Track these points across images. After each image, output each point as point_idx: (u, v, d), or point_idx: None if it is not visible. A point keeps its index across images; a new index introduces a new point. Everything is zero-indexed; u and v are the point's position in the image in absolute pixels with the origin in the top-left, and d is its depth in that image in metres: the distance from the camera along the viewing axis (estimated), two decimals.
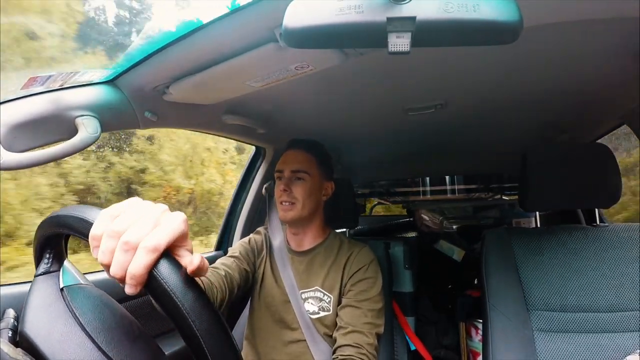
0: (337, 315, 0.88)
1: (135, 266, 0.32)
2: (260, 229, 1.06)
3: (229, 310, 1.27)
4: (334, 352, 0.82)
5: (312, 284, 0.91)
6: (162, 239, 0.33)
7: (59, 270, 0.49)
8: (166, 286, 0.33)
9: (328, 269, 0.92)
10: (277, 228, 0.99)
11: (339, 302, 0.89)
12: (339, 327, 0.85)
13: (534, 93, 0.93)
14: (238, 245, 1.00)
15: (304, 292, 0.91)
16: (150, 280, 0.33)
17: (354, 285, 0.88)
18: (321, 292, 0.90)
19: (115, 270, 0.33)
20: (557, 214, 1.69)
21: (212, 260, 1.30)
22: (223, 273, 0.83)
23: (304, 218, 0.93)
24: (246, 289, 0.93)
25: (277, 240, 0.97)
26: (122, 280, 0.33)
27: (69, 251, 0.58)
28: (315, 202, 0.94)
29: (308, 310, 0.89)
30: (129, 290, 0.33)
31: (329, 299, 0.89)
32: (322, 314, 0.88)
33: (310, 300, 0.90)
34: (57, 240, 0.51)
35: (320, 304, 0.89)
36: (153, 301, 0.36)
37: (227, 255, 0.96)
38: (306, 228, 0.96)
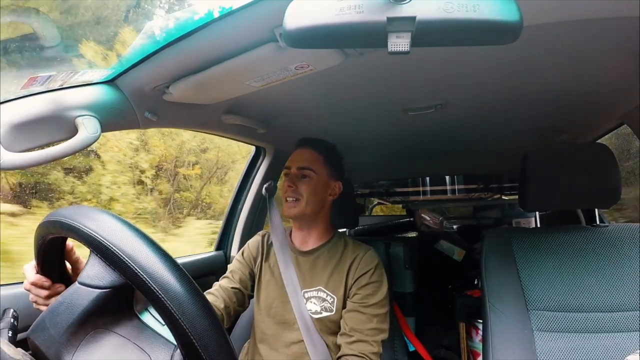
0: (340, 317, 0.88)
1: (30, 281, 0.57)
2: (260, 232, 1.06)
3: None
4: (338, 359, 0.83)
5: (316, 284, 0.91)
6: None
7: None
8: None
9: (332, 270, 0.91)
10: (278, 227, 0.99)
11: (344, 304, 0.89)
12: (343, 332, 0.85)
13: (534, 93, 0.93)
14: (234, 262, 1.02)
15: (306, 292, 0.91)
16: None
17: (360, 289, 0.88)
18: (324, 292, 0.90)
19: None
20: (557, 214, 1.69)
21: (211, 260, 1.30)
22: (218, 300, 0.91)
23: (307, 215, 0.93)
24: (240, 304, 0.96)
25: (279, 240, 0.96)
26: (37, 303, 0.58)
27: None
28: (320, 200, 0.94)
29: (310, 310, 0.89)
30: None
31: (332, 300, 0.89)
32: (324, 314, 0.88)
33: (312, 300, 0.90)
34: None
35: (323, 304, 0.89)
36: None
37: (223, 275, 0.99)
38: (311, 226, 0.96)
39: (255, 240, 1.03)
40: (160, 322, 0.45)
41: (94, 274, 0.43)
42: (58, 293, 0.56)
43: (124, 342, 0.43)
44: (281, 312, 0.91)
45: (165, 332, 0.42)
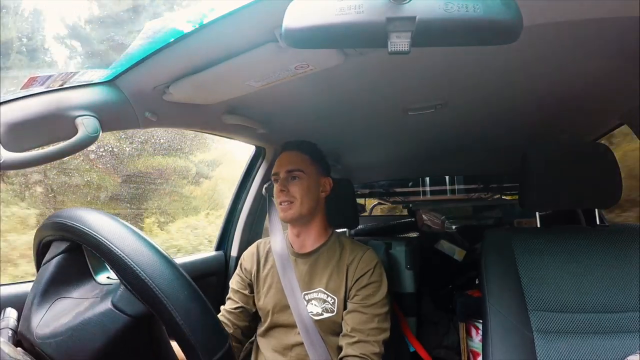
0: (342, 318, 0.88)
1: None
2: (257, 241, 1.06)
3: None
4: None
5: (315, 286, 0.91)
6: None
7: None
8: None
9: (331, 271, 0.91)
10: (277, 229, 0.99)
11: (344, 304, 0.89)
12: (345, 334, 0.85)
13: (534, 93, 0.93)
14: (234, 277, 1.02)
15: (307, 294, 0.91)
16: None
17: (360, 290, 0.88)
18: (324, 293, 0.90)
19: None
20: (557, 214, 1.69)
21: (211, 260, 1.30)
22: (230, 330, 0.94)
23: (304, 216, 0.93)
24: (249, 321, 0.98)
25: (278, 243, 0.96)
26: None
27: None
28: (313, 199, 0.94)
29: (311, 312, 0.88)
30: None
31: (332, 300, 0.89)
32: (325, 315, 0.88)
33: (313, 302, 0.90)
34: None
35: (323, 305, 0.89)
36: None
37: (227, 297, 1.00)
38: (308, 227, 0.96)
39: (250, 252, 1.03)
40: (112, 277, 0.49)
41: (127, 298, 0.44)
42: None
43: (81, 301, 0.46)
44: (282, 315, 0.91)
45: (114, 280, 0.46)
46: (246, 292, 0.97)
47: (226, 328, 0.92)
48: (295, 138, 1.02)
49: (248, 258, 1.02)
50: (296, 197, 0.91)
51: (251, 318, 0.97)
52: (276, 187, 0.94)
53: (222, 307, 0.98)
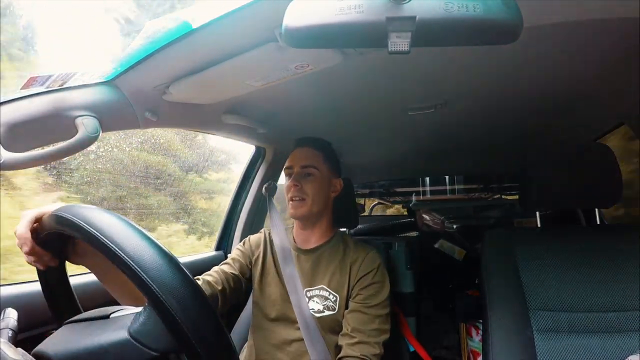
0: (343, 316, 0.88)
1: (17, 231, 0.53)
2: (263, 229, 1.06)
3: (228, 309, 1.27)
4: None
5: (318, 283, 0.91)
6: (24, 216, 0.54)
7: None
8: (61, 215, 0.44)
9: (334, 269, 0.91)
10: (278, 227, 0.99)
11: (346, 303, 0.89)
12: (345, 333, 0.85)
13: (534, 93, 0.93)
14: (234, 250, 1.01)
15: (309, 291, 0.91)
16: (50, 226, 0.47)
17: (363, 290, 0.88)
18: (327, 290, 0.90)
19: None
20: (557, 214, 1.69)
21: (211, 260, 1.30)
22: (209, 279, 0.89)
23: (314, 214, 0.93)
24: (237, 291, 0.94)
25: (279, 239, 0.96)
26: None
27: None
28: (324, 198, 0.94)
29: (312, 309, 0.88)
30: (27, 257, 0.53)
31: (334, 298, 0.89)
32: (326, 312, 0.88)
33: (315, 299, 0.90)
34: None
35: (325, 302, 0.89)
36: None
37: (223, 262, 0.98)
38: (315, 225, 0.97)
39: (257, 237, 1.03)
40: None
41: (148, 331, 0.40)
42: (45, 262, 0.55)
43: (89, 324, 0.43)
44: (282, 310, 0.91)
45: None
46: (245, 266, 0.96)
47: (215, 285, 0.88)
48: (295, 138, 1.02)
49: (255, 240, 1.02)
50: (308, 194, 0.91)
51: (238, 287, 0.94)
52: (289, 182, 0.94)
53: (215, 267, 0.95)
